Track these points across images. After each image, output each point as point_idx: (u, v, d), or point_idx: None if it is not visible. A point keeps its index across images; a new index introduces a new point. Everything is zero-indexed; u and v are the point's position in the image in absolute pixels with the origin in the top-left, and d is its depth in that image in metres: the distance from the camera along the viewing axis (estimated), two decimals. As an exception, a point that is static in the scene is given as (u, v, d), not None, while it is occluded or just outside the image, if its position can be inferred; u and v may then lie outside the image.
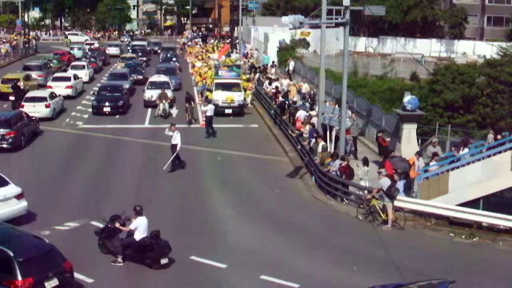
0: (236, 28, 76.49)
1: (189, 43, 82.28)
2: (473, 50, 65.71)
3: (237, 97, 36.79)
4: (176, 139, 25.75)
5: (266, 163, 27.86)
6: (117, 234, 16.90)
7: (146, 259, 16.29)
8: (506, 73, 33.01)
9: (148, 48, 72.42)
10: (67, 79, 42.84)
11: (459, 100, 32.86)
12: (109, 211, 20.56)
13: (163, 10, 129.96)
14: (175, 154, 25.60)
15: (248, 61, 56.26)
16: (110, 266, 16.42)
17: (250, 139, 32.18)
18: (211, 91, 38.14)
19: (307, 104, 33.49)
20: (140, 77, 48.19)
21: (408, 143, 25.89)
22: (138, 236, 16.45)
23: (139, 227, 16.49)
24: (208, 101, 33.25)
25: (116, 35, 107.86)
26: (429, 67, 39.30)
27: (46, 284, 13.58)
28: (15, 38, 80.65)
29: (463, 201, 21.32)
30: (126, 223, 16.88)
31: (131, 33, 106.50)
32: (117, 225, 16.78)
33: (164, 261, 16.21)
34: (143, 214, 16.74)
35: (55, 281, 13.75)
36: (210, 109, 31.90)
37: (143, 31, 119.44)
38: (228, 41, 76.41)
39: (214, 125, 31.90)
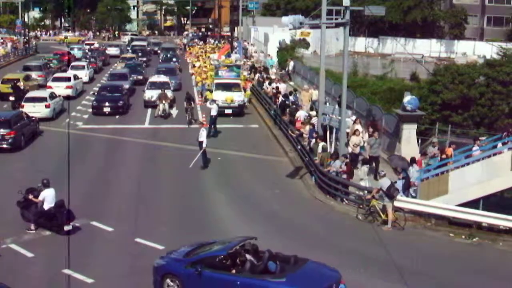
0: (236, 28, 76.44)
1: (190, 43, 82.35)
2: (473, 50, 65.80)
3: (237, 97, 36.79)
4: (202, 136, 25.89)
5: (266, 163, 27.85)
6: (32, 205, 18.65)
7: (53, 226, 18.41)
8: (504, 73, 33.00)
9: (148, 48, 72.46)
10: (67, 79, 42.77)
11: (456, 99, 32.85)
12: (109, 211, 20.67)
13: (163, 11, 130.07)
14: (202, 151, 25.85)
15: (249, 60, 56.29)
16: (110, 266, 16.43)
17: (250, 139, 32.18)
18: (211, 91, 38.17)
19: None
20: (140, 77, 48.19)
21: (408, 143, 25.90)
22: (46, 206, 18.53)
23: (47, 198, 18.55)
24: (213, 100, 33.40)
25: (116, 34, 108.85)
26: (429, 67, 39.34)
27: None
28: (16, 38, 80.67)
29: (463, 201, 21.32)
30: (41, 195, 18.68)
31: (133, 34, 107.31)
32: (30, 196, 18.68)
33: (67, 227, 17.80)
34: (50, 186, 18.75)
35: None
36: (214, 109, 31.98)
37: (156, 32, 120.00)
38: (225, 42, 76.46)
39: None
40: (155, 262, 15.10)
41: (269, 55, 56.39)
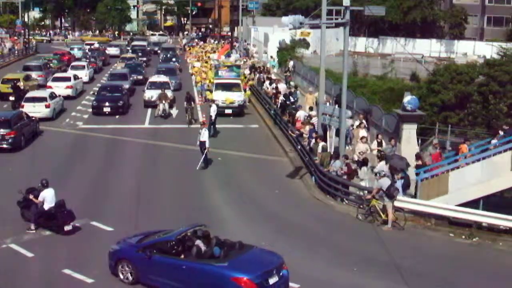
0: (236, 28, 76.44)
1: (189, 43, 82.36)
2: (473, 50, 65.78)
3: (237, 97, 36.78)
4: (204, 136, 25.88)
5: (266, 163, 27.86)
6: (32, 205, 18.65)
7: (53, 226, 18.40)
8: (504, 72, 32.94)
9: (148, 48, 72.43)
10: (67, 79, 42.82)
11: (452, 98, 32.85)
12: (109, 211, 20.67)
13: (163, 10, 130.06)
14: (206, 151, 25.88)
15: (249, 60, 56.25)
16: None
17: (250, 139, 32.19)
18: (211, 91, 38.18)
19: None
20: (140, 77, 48.19)
21: (408, 143, 25.85)
22: (46, 206, 18.51)
23: (46, 198, 18.52)
24: (212, 100, 33.51)
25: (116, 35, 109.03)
26: (429, 67, 39.33)
27: None
28: (17, 38, 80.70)
29: (463, 201, 21.32)
30: (40, 195, 18.65)
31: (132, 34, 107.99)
32: (30, 197, 18.69)
33: (67, 227, 18.32)
34: (50, 187, 18.71)
35: None
36: (214, 109, 32.02)
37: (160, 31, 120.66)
38: (225, 42, 76.40)
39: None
40: (110, 247, 15.87)
41: (271, 56, 56.15)
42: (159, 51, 71.10)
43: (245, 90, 39.12)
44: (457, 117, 32.54)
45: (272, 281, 14.07)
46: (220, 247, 14.74)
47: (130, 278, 15.21)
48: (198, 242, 14.97)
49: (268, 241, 18.19)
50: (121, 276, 15.33)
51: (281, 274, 14.42)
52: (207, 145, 25.95)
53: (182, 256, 14.87)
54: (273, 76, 45.16)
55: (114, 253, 15.69)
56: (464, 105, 32.95)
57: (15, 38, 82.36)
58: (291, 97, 35.16)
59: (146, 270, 14.98)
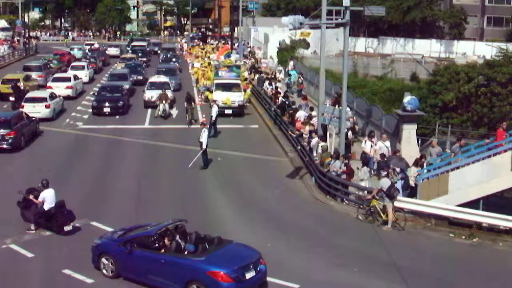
0: (236, 28, 76.47)
1: (189, 43, 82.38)
2: (473, 50, 65.79)
3: (236, 98, 36.77)
4: (203, 137, 25.97)
5: (266, 163, 27.85)
6: (32, 205, 18.65)
7: (53, 226, 18.42)
8: (504, 73, 32.85)
9: (148, 49, 72.43)
10: (67, 79, 42.85)
11: (454, 100, 32.78)
12: (109, 211, 20.68)
13: (163, 11, 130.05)
14: (201, 151, 25.91)
15: (249, 61, 56.24)
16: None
17: (250, 139, 32.19)
18: (211, 91, 38.18)
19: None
20: (140, 77, 48.20)
21: (408, 143, 25.87)
22: (46, 206, 18.52)
23: (46, 198, 18.54)
24: (213, 100, 33.54)
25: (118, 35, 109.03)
26: (429, 68, 39.31)
27: None
28: (18, 38, 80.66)
29: (463, 201, 21.30)
30: (40, 196, 18.68)
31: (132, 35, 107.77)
32: (30, 197, 18.69)
33: (67, 228, 18.40)
34: (50, 187, 18.75)
35: None
36: (215, 111, 32.02)
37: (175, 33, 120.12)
38: (225, 42, 76.37)
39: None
40: (93, 241, 16.33)
41: (284, 66, 54.03)
42: (159, 51, 71.09)
43: (245, 91, 39.12)
44: (460, 119, 32.44)
45: (249, 275, 14.43)
46: (197, 242, 15.14)
47: (111, 271, 15.61)
48: (178, 237, 15.37)
49: (268, 241, 18.23)
50: (102, 270, 15.71)
51: (258, 269, 14.73)
52: (203, 146, 25.95)
53: (162, 251, 15.24)
54: (277, 76, 44.73)
55: (96, 248, 16.13)
56: (466, 105, 32.85)
57: (12, 39, 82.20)
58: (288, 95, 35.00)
59: (126, 264, 15.41)
